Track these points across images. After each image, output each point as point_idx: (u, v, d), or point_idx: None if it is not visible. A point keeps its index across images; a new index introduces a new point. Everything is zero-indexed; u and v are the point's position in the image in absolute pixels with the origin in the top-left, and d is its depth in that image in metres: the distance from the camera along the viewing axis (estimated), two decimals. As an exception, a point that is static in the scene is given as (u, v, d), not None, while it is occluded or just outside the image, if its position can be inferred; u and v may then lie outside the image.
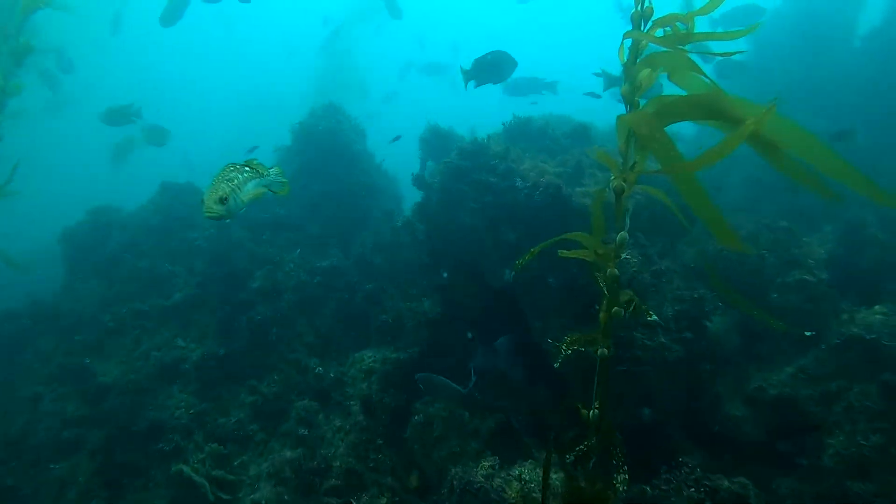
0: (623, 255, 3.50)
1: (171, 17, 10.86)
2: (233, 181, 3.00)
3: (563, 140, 7.20)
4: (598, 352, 3.55)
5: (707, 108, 2.89)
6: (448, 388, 5.96)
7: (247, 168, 3.15)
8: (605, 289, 3.57)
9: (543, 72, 9.91)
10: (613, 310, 3.51)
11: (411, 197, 10.24)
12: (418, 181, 6.85)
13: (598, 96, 8.76)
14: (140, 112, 9.58)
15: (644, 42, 3.20)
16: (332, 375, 6.64)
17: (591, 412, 3.58)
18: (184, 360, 6.93)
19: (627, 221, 3.48)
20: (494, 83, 7.22)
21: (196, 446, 6.22)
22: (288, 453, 6.06)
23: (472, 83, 7.00)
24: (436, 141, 7.79)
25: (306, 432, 6.21)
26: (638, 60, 3.22)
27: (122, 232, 8.86)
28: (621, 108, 3.44)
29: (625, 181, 3.36)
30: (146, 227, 8.75)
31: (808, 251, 5.98)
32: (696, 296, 5.85)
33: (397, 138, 8.94)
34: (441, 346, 6.55)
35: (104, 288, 8.29)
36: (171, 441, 6.33)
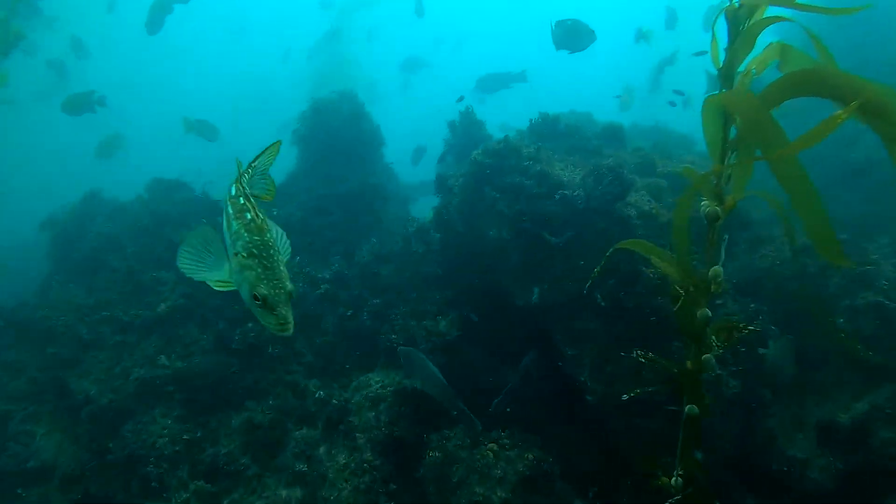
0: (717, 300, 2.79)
1: (154, 24, 10.54)
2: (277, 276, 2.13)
3: (595, 140, 6.48)
4: (687, 409, 2.85)
5: (818, 84, 2.28)
6: (427, 371, 5.28)
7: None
8: (685, 329, 2.87)
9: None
10: (704, 357, 2.81)
11: (419, 202, 9.54)
12: (439, 182, 6.11)
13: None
14: (104, 100, 8.83)
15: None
16: (334, 402, 5.90)
17: (675, 479, 2.88)
18: (167, 380, 6.17)
19: (723, 254, 2.76)
20: (571, 52, 6.75)
21: (180, 483, 5.48)
22: (284, 492, 5.34)
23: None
24: (462, 134, 7.04)
25: (305, 468, 5.47)
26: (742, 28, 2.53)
27: (107, 224, 8.06)
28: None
29: (720, 205, 2.65)
30: (132, 226, 7.97)
31: (879, 269, 5.29)
32: (750, 319, 5.19)
33: (461, 99, 8.23)
34: (459, 372, 5.82)
35: (83, 294, 7.50)
36: (152, 474, 5.58)
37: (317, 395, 6.22)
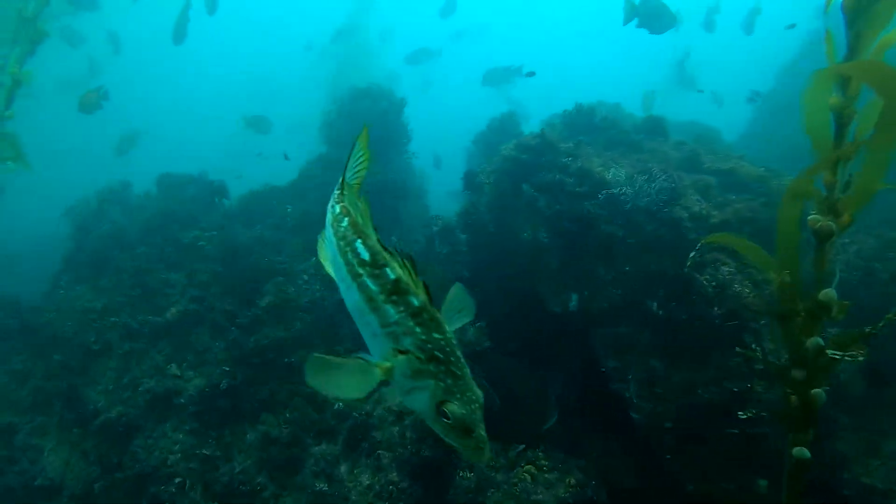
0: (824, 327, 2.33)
1: (179, 36, 10.55)
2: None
3: (634, 134, 6.00)
4: (795, 452, 2.40)
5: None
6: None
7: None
8: (793, 357, 2.42)
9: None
10: (813, 391, 2.36)
11: (438, 202, 9.10)
12: (467, 180, 5.67)
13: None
14: (107, 94, 8.56)
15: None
16: (355, 415, 5.49)
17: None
18: (179, 391, 5.81)
19: (838, 274, 2.30)
20: (651, 33, 6.58)
21: (192, 504, 5.12)
22: (304, 515, 4.96)
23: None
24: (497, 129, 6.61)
25: (325, 487, 5.09)
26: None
27: (117, 221, 7.69)
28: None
29: (835, 220, 2.18)
30: (141, 224, 7.59)
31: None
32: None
33: (531, 74, 7.84)
34: (490, 383, 5.41)
35: (90, 295, 7.14)
36: (164, 494, 5.23)
37: (336, 407, 5.83)
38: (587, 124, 6.07)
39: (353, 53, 18.32)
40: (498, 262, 5.60)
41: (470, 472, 4.80)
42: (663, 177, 4.55)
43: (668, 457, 4.56)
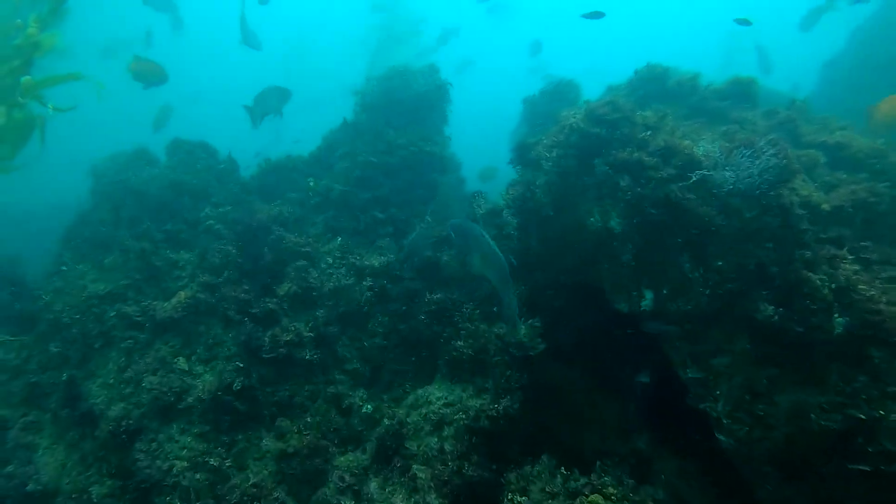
0: None
1: (249, 37, 9.36)
2: None
3: (716, 101, 5.09)
4: None
5: None
6: (486, 247, 4.21)
7: None
8: None
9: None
10: None
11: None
12: (519, 153, 4.84)
13: None
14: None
15: None
16: (386, 422, 4.80)
17: None
18: (187, 390, 5.14)
19: None
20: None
21: (201, 523, 4.48)
22: (327, 540, 4.30)
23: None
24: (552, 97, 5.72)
25: (353, 507, 4.42)
26: None
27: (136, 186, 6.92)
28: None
29: None
30: (153, 199, 6.80)
31: None
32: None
33: (599, 15, 6.88)
34: (544, 394, 4.67)
35: (93, 275, 6.44)
36: (168, 507, 4.60)
37: (364, 410, 5.15)
38: (659, 91, 5.19)
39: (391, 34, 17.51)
40: (555, 251, 4.80)
41: (522, 497, 4.10)
42: (771, 151, 3.68)
43: (769, 488, 3.80)
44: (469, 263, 4.60)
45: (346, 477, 4.54)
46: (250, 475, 4.76)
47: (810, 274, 3.69)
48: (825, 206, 4.05)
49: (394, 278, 5.78)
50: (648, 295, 4.25)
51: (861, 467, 3.39)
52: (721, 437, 4.00)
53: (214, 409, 5.07)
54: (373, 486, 4.45)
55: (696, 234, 3.88)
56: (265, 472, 4.77)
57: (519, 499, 4.13)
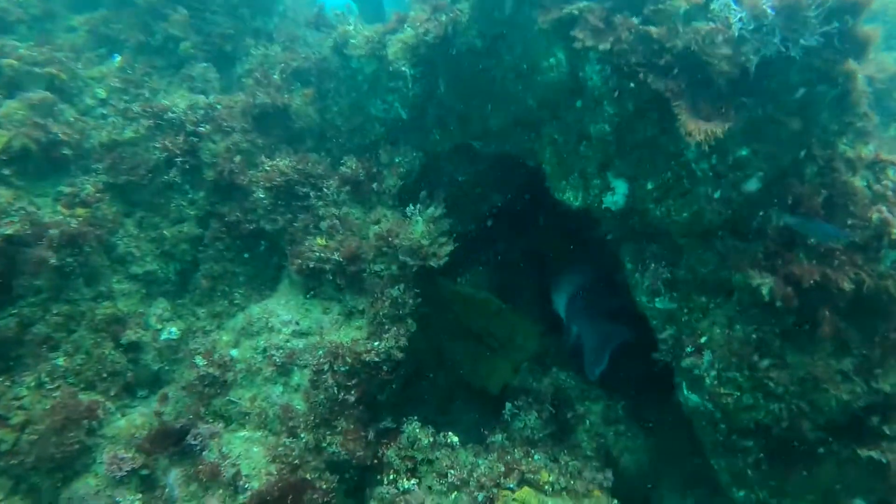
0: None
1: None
2: None
3: None
4: None
5: None
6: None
7: None
8: None
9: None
10: None
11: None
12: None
13: None
14: None
15: None
16: (200, 363, 3.04)
17: None
18: None
19: None
20: None
21: None
22: None
23: None
24: None
25: None
26: None
27: None
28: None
29: None
30: None
31: None
32: None
33: None
34: (448, 323, 3.19)
35: None
36: None
37: (165, 336, 3.33)
38: None
39: None
40: (471, 103, 3.06)
41: (411, 480, 2.75)
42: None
43: (740, 464, 2.80)
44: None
45: (125, 459, 2.79)
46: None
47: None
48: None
49: (218, 128, 3.64)
50: (621, 187, 2.76)
51: (873, 455, 2.44)
52: (693, 397, 2.87)
53: None
54: (172, 476, 2.78)
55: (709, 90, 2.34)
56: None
57: (406, 483, 2.77)
